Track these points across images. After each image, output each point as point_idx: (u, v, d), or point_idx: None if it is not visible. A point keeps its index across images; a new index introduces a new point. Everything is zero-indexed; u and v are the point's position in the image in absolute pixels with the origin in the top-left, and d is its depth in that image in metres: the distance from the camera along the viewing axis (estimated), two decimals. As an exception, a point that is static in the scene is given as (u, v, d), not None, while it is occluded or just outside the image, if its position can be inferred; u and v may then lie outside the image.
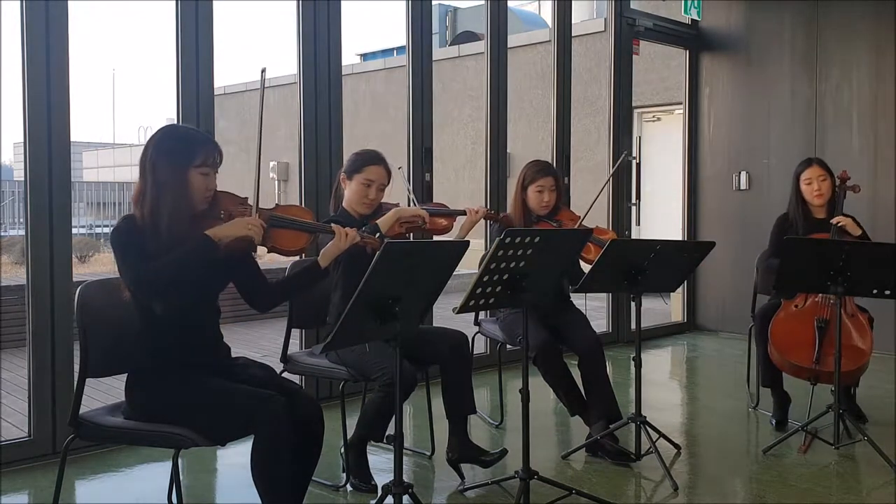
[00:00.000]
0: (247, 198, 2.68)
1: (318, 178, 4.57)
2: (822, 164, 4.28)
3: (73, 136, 3.75)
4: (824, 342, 3.85)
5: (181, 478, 2.90)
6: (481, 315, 4.30)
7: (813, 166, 4.26)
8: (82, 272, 10.16)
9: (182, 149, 2.53)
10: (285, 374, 3.21)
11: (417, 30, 5.05)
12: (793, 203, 4.32)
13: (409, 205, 3.76)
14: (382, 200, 3.50)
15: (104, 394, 4.32)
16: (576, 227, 3.86)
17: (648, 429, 3.57)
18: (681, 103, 7.41)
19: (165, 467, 2.86)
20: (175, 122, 4.12)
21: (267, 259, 9.57)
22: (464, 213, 3.67)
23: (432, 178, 5.12)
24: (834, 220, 4.11)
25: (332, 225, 2.82)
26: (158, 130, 2.60)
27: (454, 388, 3.36)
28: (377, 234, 3.07)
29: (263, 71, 2.63)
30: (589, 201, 3.98)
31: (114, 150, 28.93)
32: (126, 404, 2.57)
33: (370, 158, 3.44)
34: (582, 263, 3.78)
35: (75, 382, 2.61)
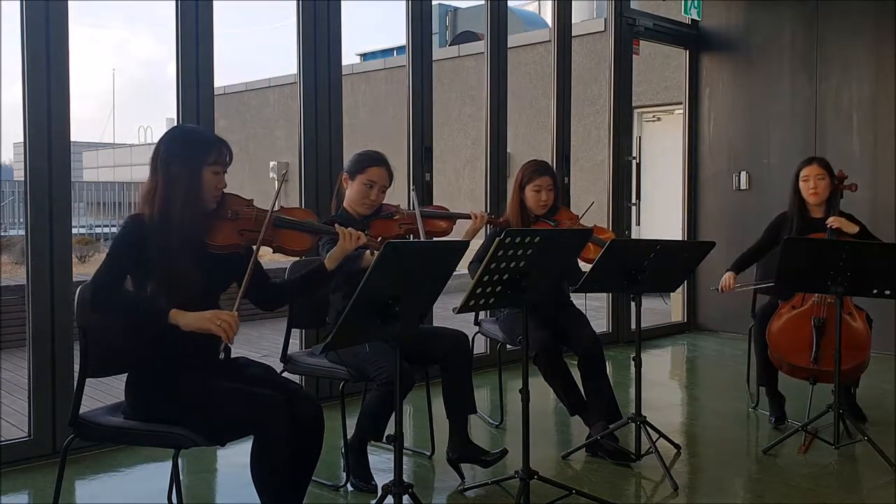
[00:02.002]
0: (251, 199, 2.71)
1: (318, 178, 4.57)
2: (823, 163, 4.26)
3: (73, 136, 3.75)
4: (822, 342, 3.86)
5: (181, 478, 2.89)
6: (481, 315, 4.30)
7: (812, 165, 4.25)
8: (82, 272, 10.15)
9: (196, 147, 2.56)
10: (285, 374, 3.21)
11: (417, 30, 5.05)
12: (793, 202, 4.32)
13: (409, 206, 3.76)
14: (383, 202, 3.51)
15: (104, 394, 4.32)
16: (574, 226, 3.86)
17: (648, 429, 3.57)
18: (681, 103, 7.41)
19: (165, 467, 2.86)
20: (175, 122, 4.12)
21: (268, 259, 9.58)
22: (468, 216, 3.66)
23: (432, 178, 5.12)
24: (828, 223, 4.10)
25: (336, 227, 2.83)
26: (170, 129, 2.64)
27: (454, 388, 3.36)
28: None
29: (284, 174, 2.67)
30: (588, 201, 3.99)
31: (114, 150, 28.93)
32: (126, 404, 2.57)
33: (373, 159, 3.44)
34: (580, 262, 3.78)
35: (75, 382, 2.60)
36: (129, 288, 2.52)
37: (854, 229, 4.09)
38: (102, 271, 2.46)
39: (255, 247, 2.60)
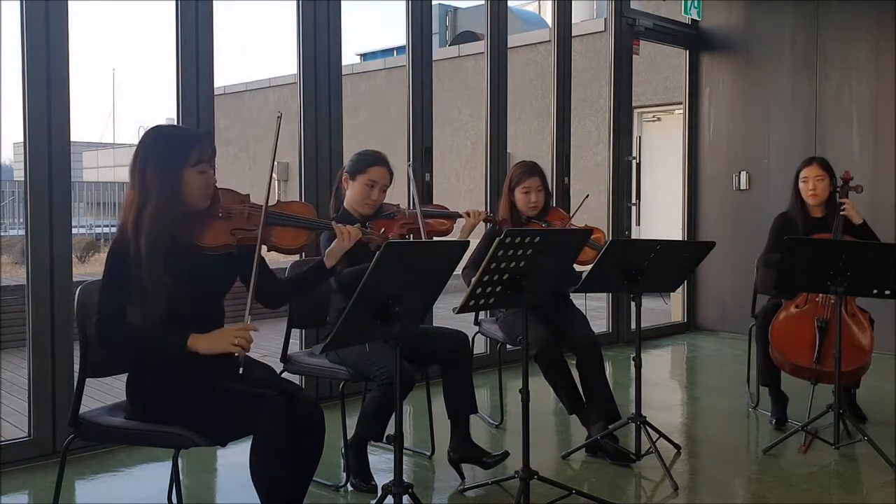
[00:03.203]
0: (248, 195, 2.65)
1: (318, 178, 4.57)
2: (823, 164, 4.27)
3: (73, 136, 3.75)
4: (825, 342, 3.85)
5: (181, 478, 2.90)
6: (481, 315, 4.30)
7: (812, 165, 4.26)
8: (82, 272, 10.16)
9: (174, 150, 2.47)
10: (285, 374, 3.21)
11: (417, 30, 5.05)
12: (793, 201, 4.33)
13: (409, 205, 3.76)
14: (384, 201, 3.51)
15: (104, 394, 4.32)
16: (565, 227, 3.86)
17: (648, 429, 3.57)
18: (681, 103, 7.41)
19: (165, 467, 2.86)
20: (175, 122, 4.12)
21: (269, 258, 9.56)
22: (461, 215, 3.66)
23: (432, 178, 5.12)
24: (841, 200, 4.11)
25: (334, 224, 2.79)
26: (145, 135, 2.52)
27: (455, 388, 3.36)
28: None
29: (279, 117, 2.64)
30: (588, 201, 3.99)
31: (114, 150, 28.89)
32: (126, 404, 2.57)
33: (374, 159, 3.45)
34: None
35: (75, 382, 2.60)
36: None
37: (859, 220, 4.13)
38: (104, 301, 2.42)
39: (256, 248, 2.52)
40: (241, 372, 2.37)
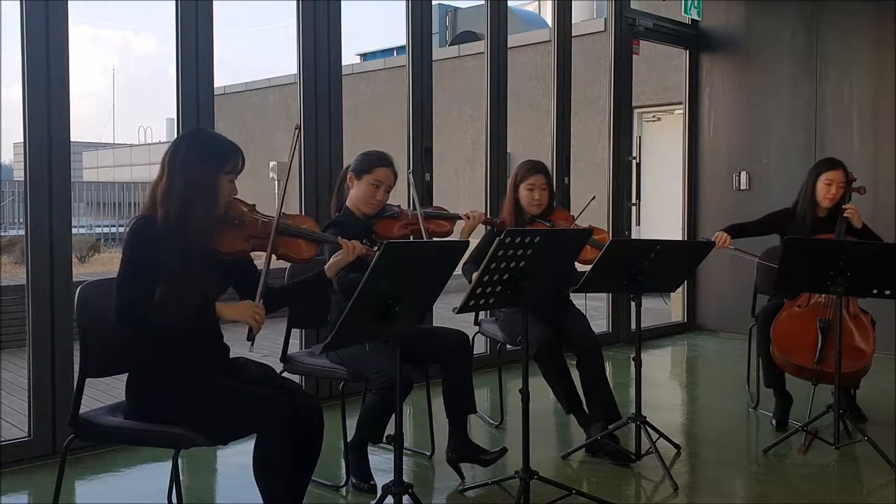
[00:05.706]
0: (254, 205, 2.72)
1: (318, 178, 4.57)
2: (846, 171, 4.27)
3: (73, 136, 3.75)
4: (826, 343, 3.85)
5: (181, 478, 2.90)
6: (481, 315, 4.30)
7: (838, 170, 4.23)
8: (82, 272, 10.16)
9: (215, 154, 2.57)
10: (285, 374, 3.21)
11: (417, 30, 5.05)
12: (805, 199, 4.30)
13: (409, 207, 3.76)
14: (386, 202, 3.52)
15: (104, 394, 4.32)
16: (570, 227, 3.87)
17: (648, 429, 3.57)
18: (681, 103, 7.40)
19: (165, 467, 2.86)
20: (175, 122, 4.14)
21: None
22: (461, 217, 3.67)
23: (432, 178, 5.12)
24: (845, 208, 4.15)
25: (339, 239, 2.85)
26: (188, 132, 2.67)
27: (454, 388, 3.36)
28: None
29: (297, 128, 2.78)
30: (589, 201, 3.99)
31: (114, 150, 28.90)
32: (126, 404, 2.57)
33: (380, 160, 3.46)
34: (576, 263, 3.76)
35: (75, 382, 2.61)
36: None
37: (859, 224, 4.16)
38: (127, 280, 2.42)
39: (265, 256, 2.61)
40: (251, 347, 2.48)
